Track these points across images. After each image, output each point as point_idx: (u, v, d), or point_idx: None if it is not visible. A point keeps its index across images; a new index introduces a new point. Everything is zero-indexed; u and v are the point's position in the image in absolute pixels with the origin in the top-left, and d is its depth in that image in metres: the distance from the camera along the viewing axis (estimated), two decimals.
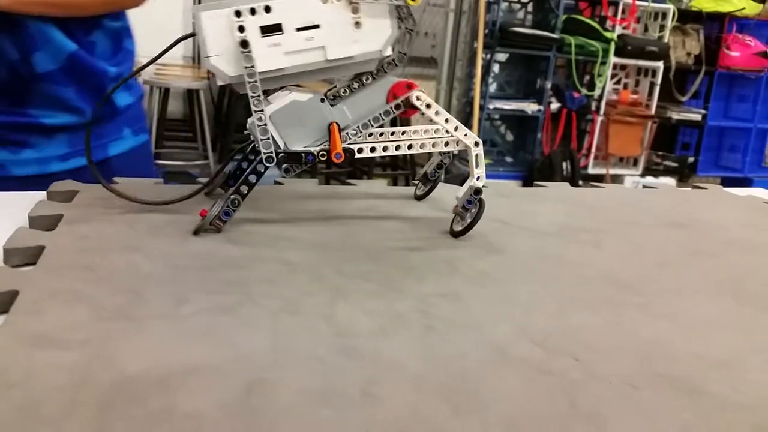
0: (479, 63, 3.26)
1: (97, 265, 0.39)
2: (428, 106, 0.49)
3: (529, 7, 3.61)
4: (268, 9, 0.44)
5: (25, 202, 0.50)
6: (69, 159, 0.74)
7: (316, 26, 0.45)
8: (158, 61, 0.52)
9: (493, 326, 0.36)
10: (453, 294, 0.40)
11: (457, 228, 0.51)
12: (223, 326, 0.33)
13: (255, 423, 0.26)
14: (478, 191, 0.50)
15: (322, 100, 0.48)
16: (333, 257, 0.45)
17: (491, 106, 3.42)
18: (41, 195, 0.54)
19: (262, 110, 0.46)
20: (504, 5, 3.45)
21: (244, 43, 0.44)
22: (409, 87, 0.49)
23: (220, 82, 0.45)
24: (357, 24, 0.46)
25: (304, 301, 0.37)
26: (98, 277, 0.38)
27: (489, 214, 0.58)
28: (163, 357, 0.30)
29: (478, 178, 0.50)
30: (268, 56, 0.45)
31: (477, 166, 0.50)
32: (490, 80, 3.47)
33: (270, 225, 0.50)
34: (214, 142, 3.50)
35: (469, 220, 0.51)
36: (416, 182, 0.65)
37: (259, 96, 0.45)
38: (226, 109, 3.70)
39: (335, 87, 0.49)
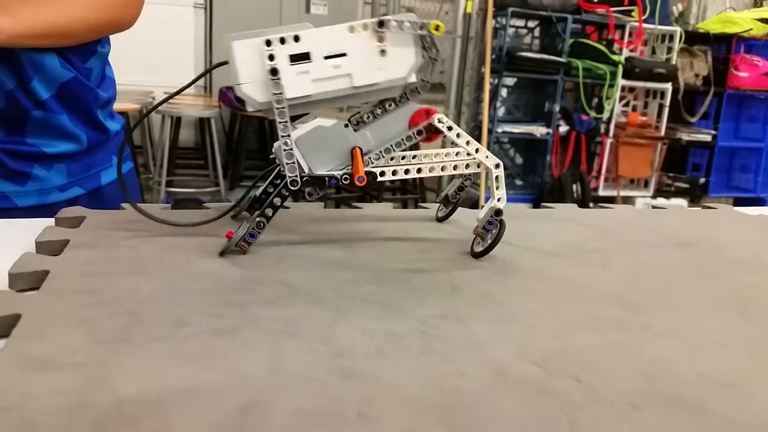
0: (487, 87, 3.28)
1: (99, 288, 0.40)
2: (450, 128, 0.50)
3: (536, 32, 3.65)
4: (297, 38, 0.46)
5: (33, 228, 0.51)
6: (67, 189, 0.75)
7: (343, 54, 0.47)
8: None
9: (494, 347, 0.36)
10: (454, 315, 0.40)
11: (478, 249, 0.52)
12: (220, 348, 0.33)
13: None
14: (498, 212, 0.50)
15: (346, 126, 0.49)
16: (335, 279, 0.45)
17: (500, 130, 3.43)
18: (49, 221, 0.54)
19: (289, 135, 0.47)
20: (511, 31, 3.48)
21: (274, 71, 0.45)
22: (428, 113, 0.50)
23: (250, 109, 0.47)
24: (382, 52, 0.47)
25: (303, 322, 0.37)
26: (100, 300, 0.38)
27: None
28: (159, 379, 0.30)
29: (499, 199, 0.51)
30: (297, 83, 0.46)
31: (498, 187, 0.51)
32: (498, 104, 3.49)
33: (274, 247, 0.50)
34: (225, 169, 3.54)
35: (489, 241, 0.51)
36: (425, 205, 0.66)
37: (286, 122, 0.46)
38: (237, 137, 3.75)
39: (359, 113, 0.50)
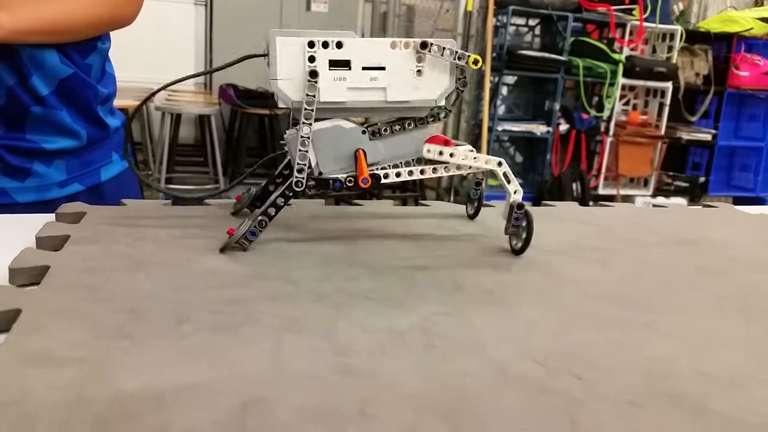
0: (487, 86, 3.28)
1: (100, 284, 0.40)
2: (452, 154, 0.50)
3: (537, 30, 3.64)
4: (339, 45, 0.46)
5: (33, 224, 0.51)
6: (67, 185, 0.75)
7: (382, 68, 0.47)
8: (170, 87, 0.53)
9: (495, 345, 0.36)
10: (455, 312, 0.40)
11: (518, 246, 0.52)
12: (222, 345, 0.33)
13: None
14: (520, 206, 0.51)
15: (363, 133, 0.50)
16: (337, 275, 0.44)
17: (500, 128, 3.43)
18: (50, 217, 0.54)
19: (309, 137, 0.47)
20: (511, 29, 3.48)
21: (313, 73, 0.46)
22: (446, 144, 0.51)
23: (281, 105, 0.47)
24: (419, 72, 0.48)
25: (305, 319, 0.37)
26: (100, 296, 0.38)
27: (495, 234, 0.58)
28: (160, 375, 0.30)
29: (515, 192, 0.52)
30: (333, 89, 0.47)
31: (509, 181, 0.51)
32: (499, 102, 3.48)
33: (275, 243, 0.50)
34: (225, 166, 3.53)
35: (524, 235, 0.51)
36: (425, 203, 0.67)
37: (310, 124, 0.47)
38: (237, 134, 3.75)
39: (376, 124, 0.50)
